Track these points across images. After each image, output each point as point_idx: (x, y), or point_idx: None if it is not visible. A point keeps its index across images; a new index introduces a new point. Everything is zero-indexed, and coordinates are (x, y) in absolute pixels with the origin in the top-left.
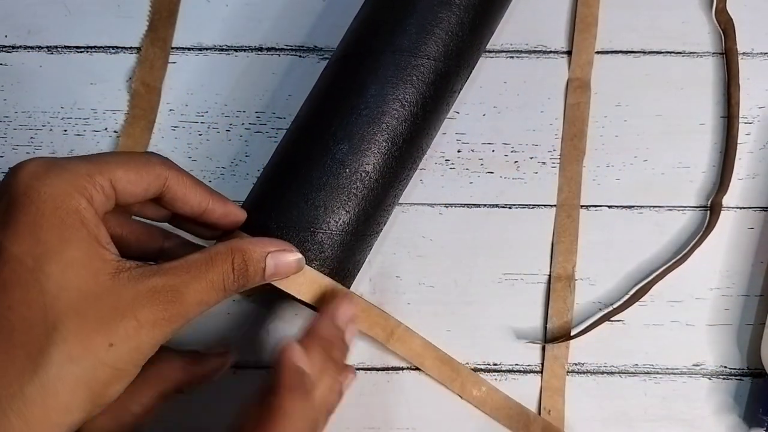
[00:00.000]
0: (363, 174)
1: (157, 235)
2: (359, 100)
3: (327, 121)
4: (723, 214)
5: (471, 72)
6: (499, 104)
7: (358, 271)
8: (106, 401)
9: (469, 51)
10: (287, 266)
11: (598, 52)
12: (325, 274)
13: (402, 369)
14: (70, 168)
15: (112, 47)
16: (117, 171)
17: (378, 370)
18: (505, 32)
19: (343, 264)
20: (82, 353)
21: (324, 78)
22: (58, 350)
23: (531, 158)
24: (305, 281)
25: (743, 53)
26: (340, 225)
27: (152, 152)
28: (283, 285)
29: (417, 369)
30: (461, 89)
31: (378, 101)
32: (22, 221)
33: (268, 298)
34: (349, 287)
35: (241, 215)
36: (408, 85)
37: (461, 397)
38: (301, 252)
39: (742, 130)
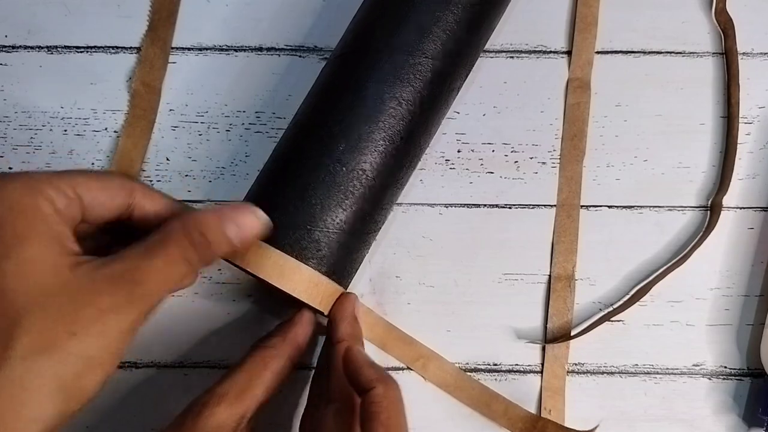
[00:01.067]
0: (360, 172)
1: (121, 197)
2: (357, 98)
3: (324, 119)
4: (723, 214)
5: (470, 71)
6: (499, 104)
7: (356, 270)
8: (83, 394)
9: (468, 50)
10: (251, 225)
11: (598, 52)
12: (322, 272)
13: (402, 369)
14: (31, 174)
15: (112, 47)
16: (78, 178)
17: None
18: (505, 32)
19: (340, 263)
20: (45, 345)
21: (322, 77)
22: (21, 344)
23: (531, 158)
24: (302, 279)
25: (743, 53)
26: (337, 223)
27: (123, 173)
28: (281, 283)
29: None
30: (460, 88)
31: (375, 100)
32: None
33: (269, 299)
34: (347, 287)
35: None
36: (406, 84)
37: (424, 378)
38: (298, 250)
39: (742, 130)
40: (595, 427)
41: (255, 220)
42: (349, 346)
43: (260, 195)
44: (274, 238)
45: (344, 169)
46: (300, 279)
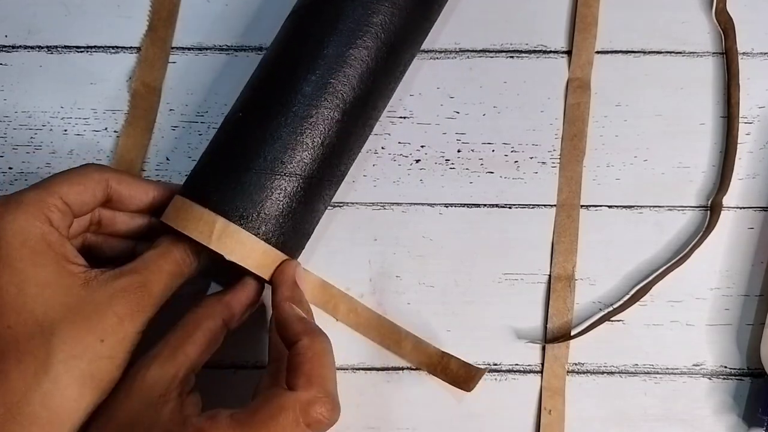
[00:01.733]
0: (308, 132)
1: (129, 241)
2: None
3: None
4: (723, 214)
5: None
6: (499, 104)
7: (306, 242)
8: (108, 386)
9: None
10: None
11: (598, 52)
12: (271, 243)
13: (402, 369)
14: (24, 200)
15: (112, 47)
16: (62, 187)
17: (378, 370)
18: (505, 32)
19: (288, 234)
20: (81, 351)
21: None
22: (61, 351)
23: (531, 158)
24: (253, 249)
25: (743, 53)
26: (284, 192)
27: (90, 163)
28: (229, 255)
29: (417, 369)
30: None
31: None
32: (12, 271)
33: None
34: (296, 257)
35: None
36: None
37: (336, 319)
38: (245, 221)
39: (742, 130)
40: (485, 369)
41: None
42: (278, 303)
43: (210, 165)
44: (223, 207)
45: (291, 129)
46: (250, 249)
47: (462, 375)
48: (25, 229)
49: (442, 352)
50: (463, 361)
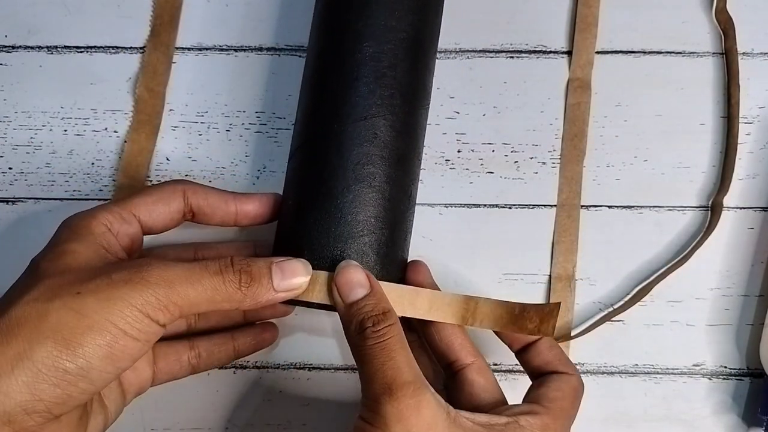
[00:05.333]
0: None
1: (189, 252)
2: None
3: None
4: (723, 214)
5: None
6: (499, 104)
7: (408, 248)
8: (75, 350)
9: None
10: (292, 269)
11: (598, 52)
12: (379, 277)
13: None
14: (94, 208)
15: (112, 47)
16: (134, 199)
17: None
18: (505, 32)
19: (390, 257)
20: (50, 296)
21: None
22: (29, 294)
23: (531, 158)
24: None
25: (743, 53)
26: (373, 223)
27: (174, 179)
28: (315, 298)
29: None
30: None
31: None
32: (48, 247)
33: None
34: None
35: (273, 198)
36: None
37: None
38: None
39: (742, 130)
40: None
41: (300, 267)
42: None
43: (295, 227)
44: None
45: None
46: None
47: (543, 316)
48: (75, 224)
49: (466, 296)
50: (493, 300)
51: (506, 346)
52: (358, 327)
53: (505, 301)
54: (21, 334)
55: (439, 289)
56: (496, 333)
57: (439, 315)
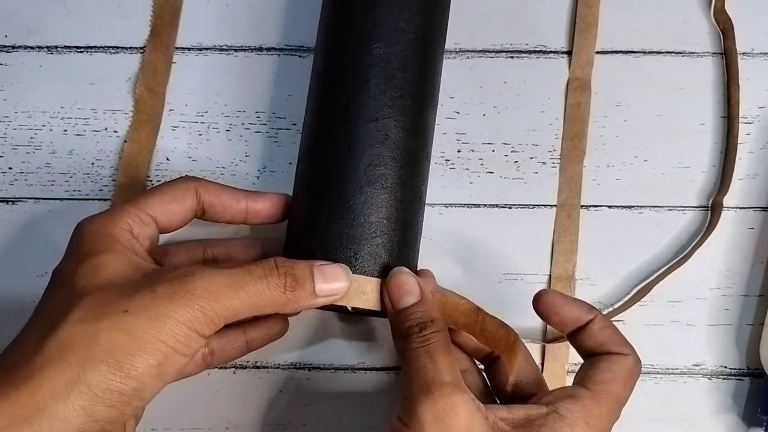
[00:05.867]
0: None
1: (198, 250)
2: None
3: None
4: (723, 214)
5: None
6: (499, 104)
7: (419, 247)
8: (128, 372)
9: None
10: (333, 274)
11: (598, 52)
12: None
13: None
14: (110, 211)
15: (112, 47)
16: (147, 199)
17: (378, 370)
18: (505, 32)
19: (402, 257)
20: (97, 315)
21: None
22: (73, 316)
23: (531, 158)
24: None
25: (743, 53)
26: (385, 224)
27: (185, 176)
28: (353, 303)
29: None
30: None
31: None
32: (70, 251)
33: None
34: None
35: (284, 198)
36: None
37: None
38: (365, 267)
39: (742, 130)
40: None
41: (340, 271)
42: (541, 294)
43: (305, 226)
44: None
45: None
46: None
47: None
48: (98, 229)
49: (476, 307)
50: (498, 320)
51: None
52: (406, 332)
53: (506, 325)
54: (73, 359)
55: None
56: (544, 318)
57: (450, 322)
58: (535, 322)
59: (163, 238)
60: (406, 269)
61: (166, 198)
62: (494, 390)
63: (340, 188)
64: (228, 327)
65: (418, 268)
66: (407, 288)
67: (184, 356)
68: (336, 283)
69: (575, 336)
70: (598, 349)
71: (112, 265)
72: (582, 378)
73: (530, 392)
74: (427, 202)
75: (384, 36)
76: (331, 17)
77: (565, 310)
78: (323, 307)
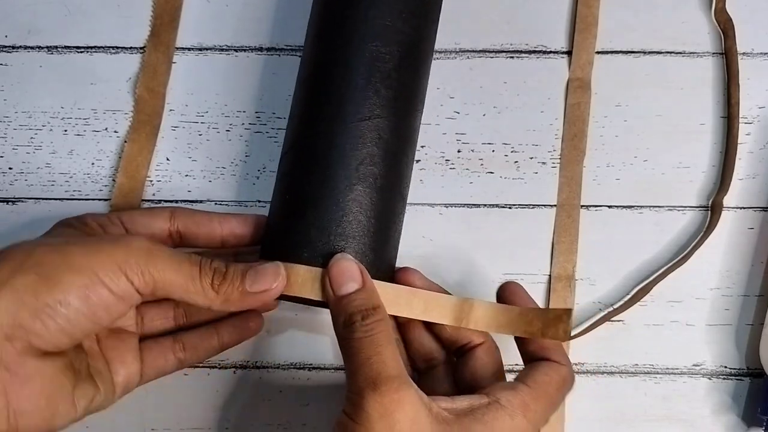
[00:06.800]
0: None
1: (163, 219)
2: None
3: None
4: (723, 214)
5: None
6: (499, 104)
7: (398, 245)
8: (55, 285)
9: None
10: (265, 273)
11: (598, 52)
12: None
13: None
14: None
15: (112, 47)
16: (122, 211)
17: None
18: (505, 32)
19: (379, 252)
20: (40, 242)
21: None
22: (20, 243)
23: (531, 158)
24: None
25: (743, 53)
26: (359, 215)
27: (157, 208)
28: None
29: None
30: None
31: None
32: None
33: None
34: (394, 262)
35: (255, 219)
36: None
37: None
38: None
39: (742, 130)
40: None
41: (270, 267)
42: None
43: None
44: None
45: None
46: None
47: (547, 320)
48: (68, 220)
49: (462, 298)
50: (488, 303)
51: (506, 346)
52: (347, 320)
53: (503, 305)
54: (6, 267)
55: (441, 290)
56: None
57: (434, 316)
58: None
59: None
60: (348, 256)
61: (138, 212)
62: (457, 379)
63: (330, 185)
64: (198, 325)
65: (416, 268)
66: (348, 275)
67: (110, 293)
68: (266, 282)
69: (521, 339)
70: (540, 353)
71: (71, 234)
72: (523, 377)
73: (488, 385)
74: (427, 202)
75: (381, 34)
76: (325, 12)
77: (522, 302)
78: (288, 298)
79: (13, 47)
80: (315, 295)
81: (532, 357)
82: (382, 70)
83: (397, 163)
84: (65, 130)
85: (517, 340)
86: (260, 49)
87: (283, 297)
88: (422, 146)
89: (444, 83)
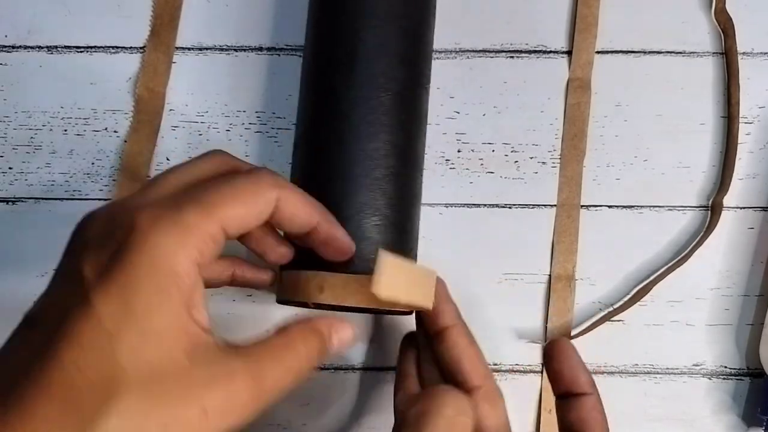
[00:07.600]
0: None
1: (227, 264)
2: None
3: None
4: (723, 214)
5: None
6: (499, 104)
7: (417, 239)
8: None
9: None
10: (346, 339)
11: (598, 52)
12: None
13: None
14: (179, 220)
15: (112, 47)
16: (227, 211)
17: (378, 369)
18: (505, 32)
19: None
20: (132, 429)
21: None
22: (108, 422)
23: (531, 158)
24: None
25: (743, 53)
26: (380, 214)
27: (262, 171)
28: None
29: None
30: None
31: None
32: (116, 280)
33: (269, 299)
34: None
35: (347, 246)
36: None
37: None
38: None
39: (742, 130)
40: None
41: (350, 333)
42: (559, 340)
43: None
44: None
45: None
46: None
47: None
48: (162, 258)
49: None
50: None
51: (506, 346)
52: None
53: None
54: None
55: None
56: (547, 361)
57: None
58: (536, 322)
59: None
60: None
61: (241, 209)
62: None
63: (347, 186)
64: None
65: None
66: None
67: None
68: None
69: (563, 399)
70: (578, 426)
71: (164, 335)
72: None
73: None
74: (427, 202)
75: (385, 27)
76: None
77: (570, 367)
78: (292, 303)
79: (13, 47)
80: (354, 301)
81: (568, 424)
82: (403, 59)
83: (415, 162)
84: (65, 130)
85: (558, 399)
86: (260, 48)
87: (314, 305)
88: None
89: (444, 83)
